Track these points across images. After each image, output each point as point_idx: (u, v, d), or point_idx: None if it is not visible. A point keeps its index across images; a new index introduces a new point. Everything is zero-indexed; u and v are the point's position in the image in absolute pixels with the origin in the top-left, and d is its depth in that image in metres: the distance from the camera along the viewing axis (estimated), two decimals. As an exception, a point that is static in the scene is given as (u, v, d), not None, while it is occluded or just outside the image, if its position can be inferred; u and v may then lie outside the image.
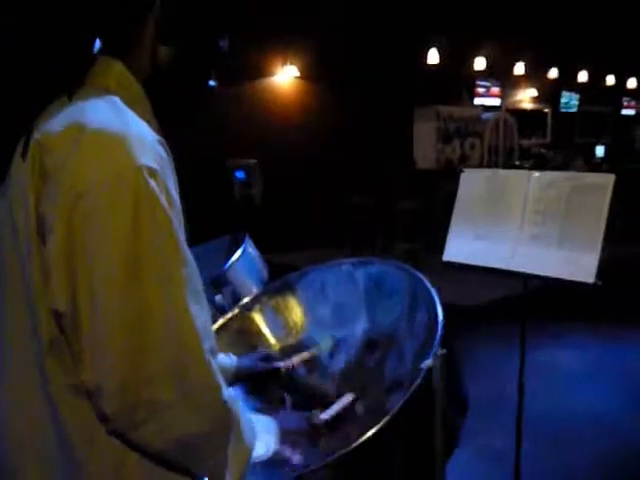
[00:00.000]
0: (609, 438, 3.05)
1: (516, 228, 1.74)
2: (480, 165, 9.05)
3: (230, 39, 0.96)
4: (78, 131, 0.76)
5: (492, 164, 9.14)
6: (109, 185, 0.73)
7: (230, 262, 1.70)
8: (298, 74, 7.10)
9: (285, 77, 7.09)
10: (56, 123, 0.80)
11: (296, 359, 1.28)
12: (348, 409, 1.13)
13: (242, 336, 1.38)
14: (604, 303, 4.74)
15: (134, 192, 0.73)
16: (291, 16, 6.58)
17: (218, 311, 1.53)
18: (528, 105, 10.64)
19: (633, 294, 5.39)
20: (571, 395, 3.53)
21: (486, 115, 9.16)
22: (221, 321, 1.37)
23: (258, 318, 1.41)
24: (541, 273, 1.69)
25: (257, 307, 1.42)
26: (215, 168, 6.28)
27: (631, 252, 6.58)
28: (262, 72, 6.94)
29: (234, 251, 1.81)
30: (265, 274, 1.86)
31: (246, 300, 1.45)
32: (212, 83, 0.96)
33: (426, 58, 8.23)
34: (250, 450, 0.86)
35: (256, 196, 6.65)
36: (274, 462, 0.98)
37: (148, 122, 0.85)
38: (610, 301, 4.90)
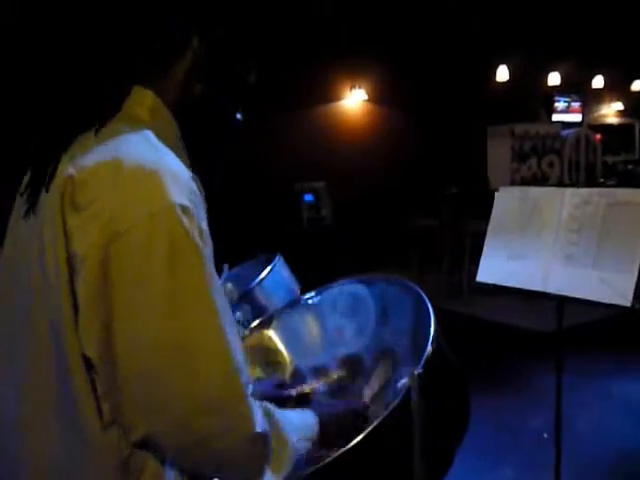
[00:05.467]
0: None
1: (550, 248, 1.68)
2: (560, 183, 8.70)
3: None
4: (114, 166, 0.76)
5: (573, 182, 8.76)
6: (145, 225, 0.74)
7: (258, 279, 1.75)
8: (366, 97, 7.16)
9: (353, 101, 7.17)
10: (90, 158, 0.79)
11: (307, 386, 1.29)
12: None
13: (258, 353, 1.41)
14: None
15: (169, 231, 0.74)
16: (358, 39, 6.67)
17: (242, 326, 1.58)
18: (613, 119, 10.14)
19: None
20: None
21: (566, 132, 8.82)
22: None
23: (274, 335, 1.44)
24: (575, 295, 1.61)
25: (274, 324, 1.45)
26: (284, 191, 6.42)
27: None
28: (330, 96, 7.06)
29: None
30: (295, 293, 1.89)
31: (263, 317, 1.48)
32: (239, 117, 0.96)
33: (496, 76, 8.08)
34: (293, 452, 0.88)
35: (326, 219, 6.72)
36: None
37: (176, 151, 0.85)
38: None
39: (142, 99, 0.85)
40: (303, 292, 1.80)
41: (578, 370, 3.67)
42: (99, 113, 0.83)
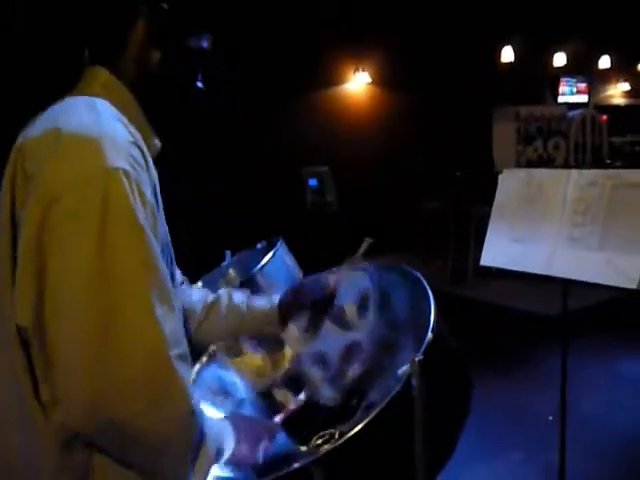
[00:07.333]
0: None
1: (554, 230, 1.66)
2: (565, 165, 8.62)
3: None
4: (54, 136, 0.78)
5: (579, 163, 8.68)
6: (79, 188, 0.74)
7: (260, 265, 1.73)
8: (370, 80, 7.09)
9: (357, 84, 7.10)
10: (35, 128, 0.82)
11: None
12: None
13: (258, 338, 1.39)
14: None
15: (102, 194, 0.73)
16: (361, 21, 6.59)
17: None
18: (620, 100, 10.02)
19: None
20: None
21: (572, 113, 8.71)
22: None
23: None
24: (580, 278, 1.59)
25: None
26: (288, 176, 6.38)
27: None
28: (334, 80, 6.99)
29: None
30: (298, 279, 1.87)
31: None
32: (200, 85, 0.97)
33: (500, 57, 7.98)
34: (211, 458, 0.83)
35: (330, 203, 6.69)
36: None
37: (137, 124, 0.87)
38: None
39: (95, 76, 0.88)
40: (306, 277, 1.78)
41: (584, 352, 3.65)
42: (53, 91, 0.87)
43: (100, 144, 0.76)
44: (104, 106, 0.84)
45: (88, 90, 0.87)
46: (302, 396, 1.18)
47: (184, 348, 0.79)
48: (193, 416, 0.78)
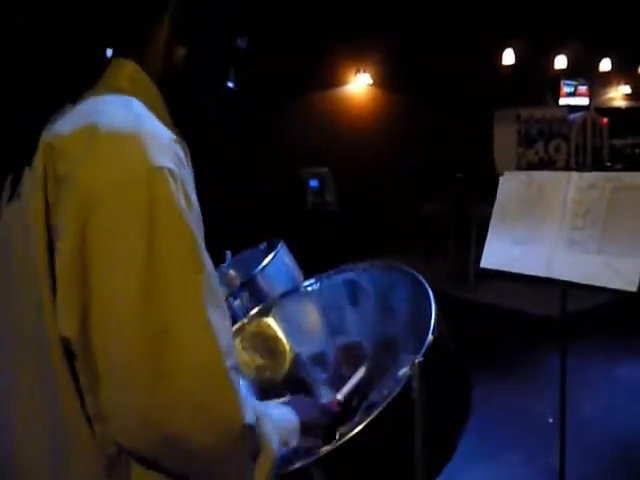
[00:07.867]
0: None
1: (554, 233, 1.66)
2: (566, 167, 8.64)
3: (254, 40, 0.95)
4: (90, 132, 0.72)
5: (579, 166, 8.70)
6: (121, 193, 0.68)
7: (260, 266, 1.73)
8: (371, 82, 7.10)
9: (358, 85, 7.11)
10: (67, 124, 0.75)
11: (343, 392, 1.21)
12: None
13: (259, 340, 1.40)
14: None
15: (149, 198, 0.68)
16: (363, 23, 6.60)
17: (242, 314, 1.56)
18: (621, 103, 10.03)
19: None
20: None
21: (573, 115, 8.73)
22: (237, 325, 1.40)
23: (273, 323, 1.43)
24: (580, 281, 1.59)
25: (273, 312, 1.44)
26: (288, 176, 6.39)
27: None
28: (335, 81, 7.00)
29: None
30: (298, 281, 1.87)
31: (262, 305, 1.47)
32: (231, 85, 0.92)
33: (501, 59, 7.99)
34: (274, 459, 0.80)
35: (330, 204, 6.69)
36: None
37: (164, 122, 0.81)
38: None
39: (122, 69, 0.83)
40: (306, 279, 1.78)
41: (583, 355, 3.66)
42: (77, 85, 0.81)
43: (142, 141, 0.70)
44: (139, 104, 0.79)
45: (114, 82, 0.82)
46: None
47: (237, 358, 0.74)
48: (249, 432, 0.73)
